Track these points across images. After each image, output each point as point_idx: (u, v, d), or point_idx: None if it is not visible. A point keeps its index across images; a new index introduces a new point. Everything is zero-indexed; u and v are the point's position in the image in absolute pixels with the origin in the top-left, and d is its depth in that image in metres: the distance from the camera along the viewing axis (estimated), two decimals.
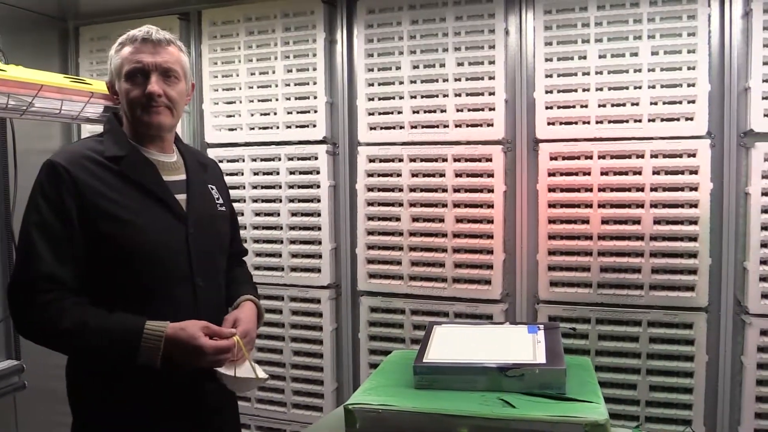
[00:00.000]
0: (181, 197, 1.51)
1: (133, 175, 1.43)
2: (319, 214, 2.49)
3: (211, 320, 1.48)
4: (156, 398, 1.42)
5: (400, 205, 2.37)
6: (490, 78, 2.25)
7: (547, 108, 2.18)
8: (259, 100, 2.55)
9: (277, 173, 2.53)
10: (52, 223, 1.35)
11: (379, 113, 2.39)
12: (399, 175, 2.37)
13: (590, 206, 2.15)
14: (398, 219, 2.38)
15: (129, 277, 1.40)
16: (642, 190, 2.10)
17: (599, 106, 2.13)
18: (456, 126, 2.29)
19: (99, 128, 2.61)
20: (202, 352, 1.35)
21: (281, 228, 2.54)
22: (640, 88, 2.09)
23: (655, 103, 2.08)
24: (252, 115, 2.56)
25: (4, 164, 2.52)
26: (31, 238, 1.34)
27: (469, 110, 2.28)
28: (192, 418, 1.48)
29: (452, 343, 1.64)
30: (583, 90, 2.14)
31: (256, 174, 2.57)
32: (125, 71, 1.43)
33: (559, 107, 2.18)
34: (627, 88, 2.10)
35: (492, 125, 2.25)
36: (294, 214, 2.53)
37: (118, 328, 1.33)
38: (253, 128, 2.56)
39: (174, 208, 1.48)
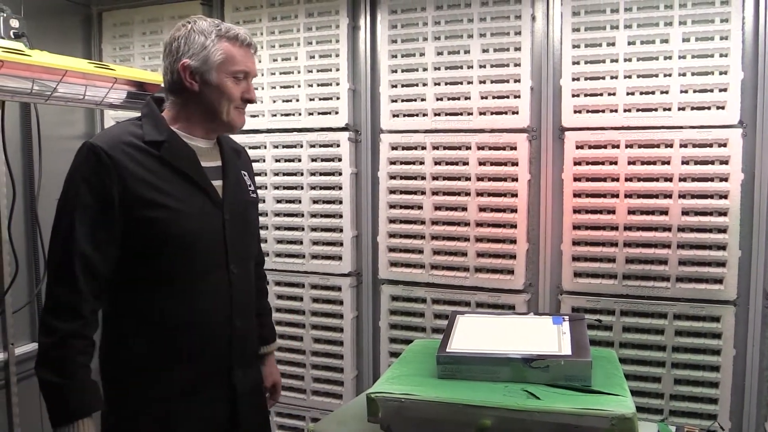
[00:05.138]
0: (217, 183, 1.52)
1: (172, 161, 1.44)
2: (340, 202, 2.47)
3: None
4: (188, 387, 1.45)
5: (423, 193, 2.35)
6: (516, 65, 2.21)
7: (573, 96, 2.14)
8: (281, 87, 2.54)
9: (299, 160, 2.52)
10: (92, 207, 1.35)
11: (402, 100, 2.36)
12: (422, 163, 2.34)
13: (616, 196, 2.11)
14: (420, 207, 2.35)
15: (165, 263, 1.41)
16: (670, 180, 2.06)
17: (627, 94, 2.08)
18: (480, 113, 2.26)
19: (121, 114, 2.64)
20: None
21: (302, 215, 2.53)
22: (670, 75, 2.04)
23: (686, 91, 2.03)
24: (274, 101, 2.55)
25: (29, 150, 2.54)
26: (70, 221, 1.35)
27: (493, 97, 2.24)
28: (223, 405, 1.51)
29: (476, 333, 1.63)
30: (611, 77, 2.10)
31: (277, 161, 2.56)
32: (234, 69, 1.47)
33: (586, 95, 2.13)
34: (656, 75, 2.06)
35: (517, 113, 2.21)
36: (315, 202, 2.52)
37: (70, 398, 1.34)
38: (275, 115, 2.55)
39: (211, 194, 1.49)
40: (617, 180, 2.11)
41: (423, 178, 2.34)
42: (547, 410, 1.32)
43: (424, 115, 2.33)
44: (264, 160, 2.56)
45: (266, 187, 2.56)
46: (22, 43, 2.18)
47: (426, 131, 2.33)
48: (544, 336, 1.57)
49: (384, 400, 1.42)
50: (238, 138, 2.55)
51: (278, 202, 2.57)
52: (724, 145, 2.00)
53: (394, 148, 2.38)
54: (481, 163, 2.27)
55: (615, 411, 1.29)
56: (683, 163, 2.04)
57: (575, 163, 2.15)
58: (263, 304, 1.82)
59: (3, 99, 2.17)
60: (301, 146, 2.51)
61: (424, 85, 2.32)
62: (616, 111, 2.10)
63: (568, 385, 1.41)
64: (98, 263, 1.36)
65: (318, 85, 2.48)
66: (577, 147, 2.14)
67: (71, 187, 1.37)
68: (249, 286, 1.59)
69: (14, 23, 2.32)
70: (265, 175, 2.56)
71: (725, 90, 1.99)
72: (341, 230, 2.48)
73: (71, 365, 1.33)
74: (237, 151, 1.67)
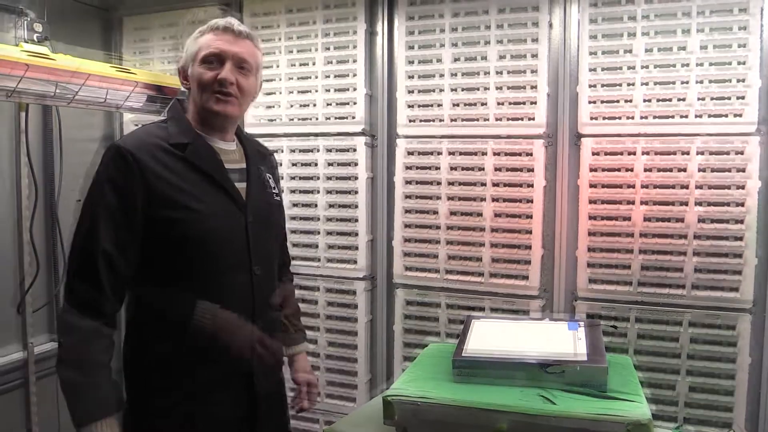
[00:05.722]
0: (241, 186, 1.53)
1: (197, 163, 1.46)
2: (356, 206, 2.49)
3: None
4: (210, 389, 1.46)
5: (438, 198, 2.36)
6: (533, 72, 2.22)
7: (590, 103, 2.15)
8: (298, 92, 2.56)
9: (316, 164, 2.54)
10: (116, 208, 1.37)
11: (419, 106, 2.38)
12: (437, 168, 2.35)
13: (632, 203, 2.11)
14: (436, 212, 2.37)
15: (188, 264, 1.43)
16: (687, 187, 2.06)
17: (644, 101, 2.09)
18: (497, 120, 2.27)
19: (142, 118, 2.68)
20: None
21: (318, 219, 2.55)
22: (687, 83, 2.04)
23: (703, 99, 2.03)
24: (291, 106, 2.57)
25: (50, 152, 2.58)
26: (94, 220, 1.36)
27: (510, 104, 2.25)
28: (243, 407, 1.52)
29: (491, 337, 1.64)
30: (628, 85, 2.10)
31: (294, 165, 2.58)
32: (201, 56, 1.47)
33: (602, 102, 2.14)
34: (674, 83, 2.06)
35: (533, 119, 2.22)
36: (331, 206, 2.54)
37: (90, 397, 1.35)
38: (292, 119, 2.57)
39: (235, 196, 1.50)
40: (633, 187, 2.11)
41: (439, 184, 2.36)
42: (562, 415, 1.33)
43: (441, 120, 2.34)
44: (280, 164, 2.58)
45: (282, 191, 2.57)
46: (46, 47, 2.22)
47: (442, 137, 2.35)
48: (559, 341, 1.58)
49: (400, 402, 1.43)
50: None
51: (294, 205, 2.59)
52: (742, 153, 2.00)
53: (410, 154, 2.40)
54: (496, 169, 2.28)
55: (631, 416, 1.29)
56: (700, 170, 2.05)
57: (591, 170, 2.15)
58: (291, 305, 1.83)
59: (27, 102, 2.21)
60: (318, 150, 2.53)
61: (441, 91, 2.34)
62: (632, 118, 2.11)
63: (583, 391, 1.42)
64: (120, 263, 1.38)
65: (335, 90, 2.50)
66: (593, 154, 2.15)
67: (97, 188, 1.39)
68: (271, 288, 1.60)
69: (38, 27, 2.36)
70: (282, 178, 2.58)
71: (743, 98, 1.99)
72: (356, 234, 2.50)
73: (94, 364, 1.34)
74: (262, 154, 1.68)
